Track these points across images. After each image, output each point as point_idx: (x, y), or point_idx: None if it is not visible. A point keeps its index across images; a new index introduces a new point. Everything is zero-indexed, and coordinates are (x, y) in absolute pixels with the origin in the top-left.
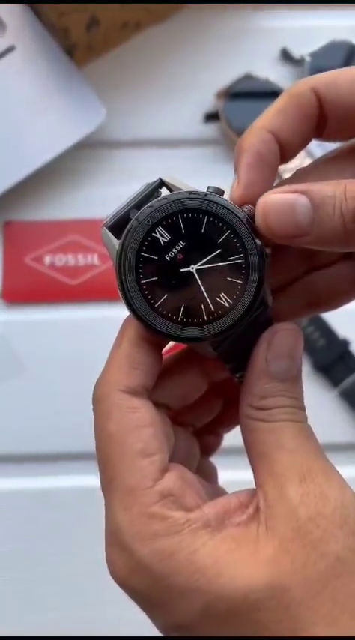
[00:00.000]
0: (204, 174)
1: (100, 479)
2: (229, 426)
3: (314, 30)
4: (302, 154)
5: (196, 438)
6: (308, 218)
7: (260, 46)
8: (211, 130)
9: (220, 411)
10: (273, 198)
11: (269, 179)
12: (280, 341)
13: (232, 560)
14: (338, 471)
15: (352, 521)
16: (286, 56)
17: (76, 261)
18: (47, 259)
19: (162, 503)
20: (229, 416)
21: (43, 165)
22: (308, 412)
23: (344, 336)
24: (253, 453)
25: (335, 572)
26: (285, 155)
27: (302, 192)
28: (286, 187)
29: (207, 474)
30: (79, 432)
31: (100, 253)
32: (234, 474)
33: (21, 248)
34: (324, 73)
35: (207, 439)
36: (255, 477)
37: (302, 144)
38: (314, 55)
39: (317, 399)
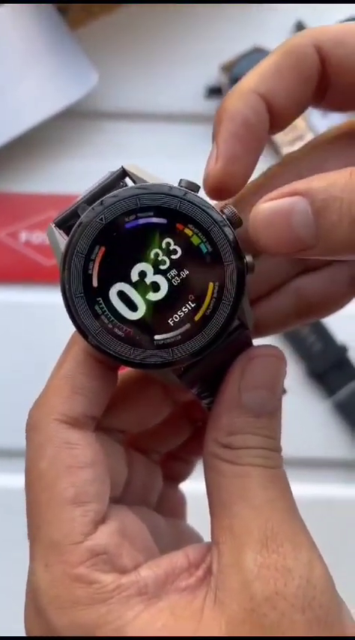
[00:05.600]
0: (200, 153)
1: (27, 523)
2: (200, 453)
3: (331, 4)
4: (302, 124)
5: (162, 464)
6: (310, 228)
7: (272, 18)
8: (213, 105)
9: (190, 434)
10: (264, 208)
11: (254, 154)
12: (257, 368)
13: None
14: (310, 537)
15: (317, 604)
16: (301, 30)
17: None
18: (23, 236)
19: (91, 563)
20: (200, 442)
21: (25, 132)
22: (298, 422)
23: (342, 341)
24: (214, 499)
25: None
26: (276, 124)
27: (302, 194)
28: (282, 190)
29: (172, 507)
30: None
31: None
32: None
33: None
34: (329, 26)
35: (175, 466)
36: (211, 529)
37: (298, 111)
38: None
39: (310, 408)
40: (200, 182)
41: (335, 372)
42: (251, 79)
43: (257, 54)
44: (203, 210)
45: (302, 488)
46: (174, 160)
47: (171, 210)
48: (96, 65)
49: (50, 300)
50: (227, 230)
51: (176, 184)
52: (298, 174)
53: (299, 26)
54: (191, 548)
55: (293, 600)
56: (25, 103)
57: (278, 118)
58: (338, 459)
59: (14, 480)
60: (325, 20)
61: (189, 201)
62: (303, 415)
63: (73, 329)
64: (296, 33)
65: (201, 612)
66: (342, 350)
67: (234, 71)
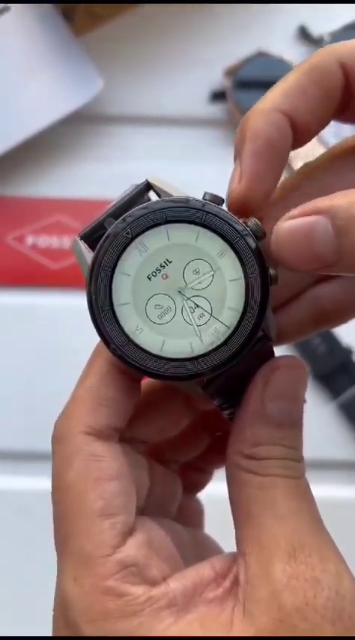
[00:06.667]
0: (205, 157)
1: (54, 534)
2: (219, 464)
3: (335, 8)
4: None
5: (180, 474)
6: (331, 246)
7: (275, 22)
8: (217, 110)
9: (208, 444)
10: (285, 227)
11: (278, 171)
12: (281, 379)
13: None
14: (336, 548)
15: (347, 616)
16: (304, 34)
17: (60, 243)
18: (30, 240)
19: (121, 576)
20: (218, 452)
21: (31, 137)
22: (303, 423)
23: (347, 344)
24: (239, 510)
25: None
26: (298, 140)
27: (323, 212)
28: (303, 207)
29: (191, 517)
30: (44, 431)
31: None
32: None
33: (3, 226)
34: (351, 41)
35: (193, 476)
36: (237, 539)
37: (320, 127)
38: (334, 34)
39: (315, 410)
40: (208, 188)
41: (340, 375)
42: (273, 97)
43: (261, 58)
44: (225, 221)
45: None
46: (179, 163)
47: (196, 223)
48: (101, 70)
49: (56, 303)
50: (249, 240)
51: (200, 197)
52: (321, 186)
53: (302, 30)
54: (216, 559)
55: (323, 612)
56: (31, 107)
57: (300, 134)
58: (343, 461)
59: (20, 481)
60: (328, 22)
61: (210, 213)
62: (308, 417)
63: (80, 332)
64: (318, 50)
65: (230, 624)
66: (347, 352)
67: (237, 75)
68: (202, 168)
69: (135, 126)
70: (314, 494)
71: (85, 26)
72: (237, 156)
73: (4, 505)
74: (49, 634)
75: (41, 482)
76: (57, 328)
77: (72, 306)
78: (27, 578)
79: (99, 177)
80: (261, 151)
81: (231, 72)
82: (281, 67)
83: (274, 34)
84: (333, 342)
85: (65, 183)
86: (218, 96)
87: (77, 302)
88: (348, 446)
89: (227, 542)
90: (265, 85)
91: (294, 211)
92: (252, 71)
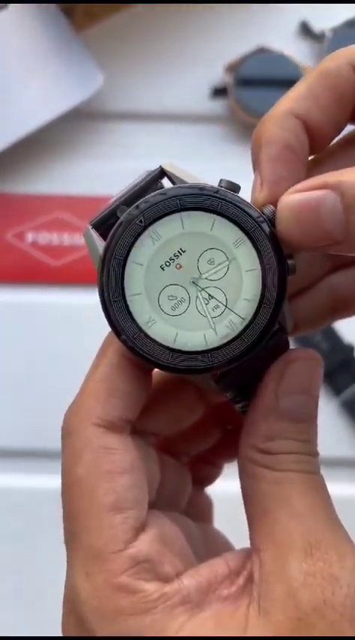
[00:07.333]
0: (207, 153)
1: (64, 529)
2: (229, 457)
3: (335, 4)
4: None
5: (190, 467)
6: (339, 222)
7: (276, 18)
8: (218, 106)
9: (219, 438)
10: (291, 200)
11: (298, 175)
12: (295, 372)
13: None
14: (353, 544)
15: None
16: (305, 30)
17: (60, 240)
18: (30, 236)
19: (134, 572)
20: (229, 445)
21: (31, 133)
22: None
23: (349, 341)
24: (253, 505)
25: None
26: (315, 145)
27: (332, 188)
28: (311, 181)
29: (200, 511)
30: (45, 429)
31: None
32: None
33: (2, 223)
34: None
35: (203, 469)
36: (251, 535)
37: (336, 132)
38: (335, 30)
39: None
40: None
41: (342, 372)
42: (285, 103)
43: (261, 53)
44: (240, 208)
45: None
46: (180, 159)
47: (211, 211)
48: (102, 66)
49: (57, 300)
50: (265, 226)
51: (215, 184)
52: (332, 170)
53: (304, 26)
54: (230, 555)
55: (341, 610)
56: (31, 104)
57: (316, 139)
58: (345, 458)
59: (20, 480)
60: (329, 18)
61: (226, 200)
62: None
63: (81, 330)
64: (330, 54)
65: (245, 622)
66: (349, 349)
67: (238, 71)
68: (203, 164)
69: (136, 122)
70: None
71: (85, 23)
72: (255, 165)
73: (3, 504)
74: (51, 634)
75: (42, 481)
76: (57, 326)
77: (72, 303)
78: (28, 577)
79: (100, 174)
80: (278, 156)
81: (231, 68)
82: (283, 63)
83: (275, 30)
84: (335, 340)
85: (65, 180)
86: (219, 92)
87: (78, 299)
88: (350, 443)
89: (236, 537)
90: (266, 80)
91: (301, 185)
92: (252, 67)
